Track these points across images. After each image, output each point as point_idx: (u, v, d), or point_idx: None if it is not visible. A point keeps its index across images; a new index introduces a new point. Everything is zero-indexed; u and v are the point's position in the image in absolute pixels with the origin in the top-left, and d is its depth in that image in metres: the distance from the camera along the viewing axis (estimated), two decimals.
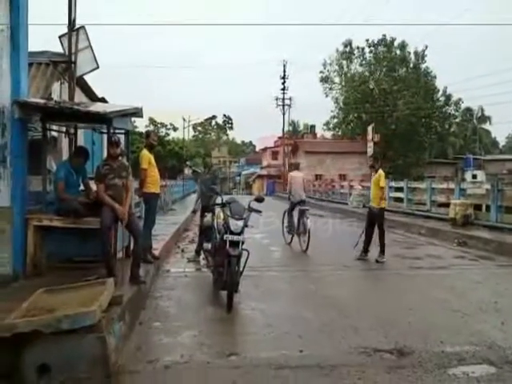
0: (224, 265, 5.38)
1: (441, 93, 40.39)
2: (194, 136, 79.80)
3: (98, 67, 7.52)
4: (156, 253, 7.32)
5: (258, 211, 5.68)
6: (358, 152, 39.82)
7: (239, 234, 5.32)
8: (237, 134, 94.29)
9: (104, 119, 5.17)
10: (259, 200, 5.82)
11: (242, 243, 5.33)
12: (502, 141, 70.22)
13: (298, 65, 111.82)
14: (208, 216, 6.51)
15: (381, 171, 8.73)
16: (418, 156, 38.61)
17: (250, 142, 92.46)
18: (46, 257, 5.50)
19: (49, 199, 5.63)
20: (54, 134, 7.74)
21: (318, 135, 56.12)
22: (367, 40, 40.12)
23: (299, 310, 5.30)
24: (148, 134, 6.77)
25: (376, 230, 8.39)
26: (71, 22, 7.02)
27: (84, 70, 7.34)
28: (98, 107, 5.20)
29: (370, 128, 19.47)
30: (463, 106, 44.39)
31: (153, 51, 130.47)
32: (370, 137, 19.00)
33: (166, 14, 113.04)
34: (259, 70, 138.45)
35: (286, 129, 49.27)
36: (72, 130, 6.79)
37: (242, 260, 5.31)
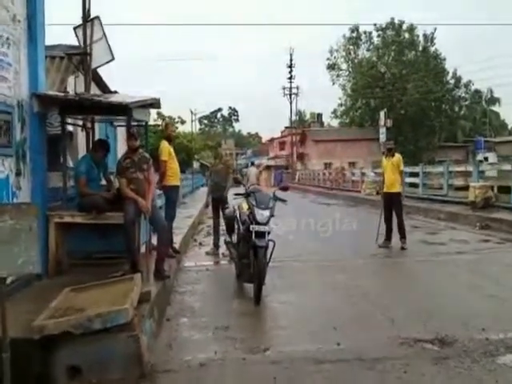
0: (249, 256, 5.24)
1: (450, 75, 39.71)
2: (200, 129, 79.57)
3: (113, 59, 7.34)
4: (176, 246, 7.21)
5: (284, 200, 5.51)
6: (368, 139, 39.38)
7: (265, 224, 5.16)
8: (243, 126, 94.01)
9: (124, 110, 5.01)
10: (284, 189, 5.65)
11: (268, 233, 5.19)
12: (510, 122, 68.98)
13: (305, 53, 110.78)
14: (230, 207, 6.35)
15: (398, 155, 8.51)
16: (429, 140, 38.10)
17: (257, 134, 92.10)
18: (68, 254, 5.38)
19: (69, 195, 5.50)
20: (70, 128, 7.62)
21: (325, 124, 55.65)
22: (375, 24, 39.61)
23: (330, 301, 5.15)
24: (166, 125, 6.61)
25: (394, 216, 8.18)
26: (86, 13, 6.83)
27: (99, 61, 7.17)
28: (117, 98, 5.04)
29: (381, 113, 19.12)
30: (472, 88, 43.61)
31: (157, 43, 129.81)
32: (382, 122, 18.67)
33: (171, 7, 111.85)
34: (264, 59, 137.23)
35: (293, 118, 48.89)
36: (89, 124, 6.64)
37: (268, 251, 5.16)
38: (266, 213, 5.17)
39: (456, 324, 4.24)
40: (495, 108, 58.13)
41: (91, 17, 6.99)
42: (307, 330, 4.23)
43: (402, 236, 7.99)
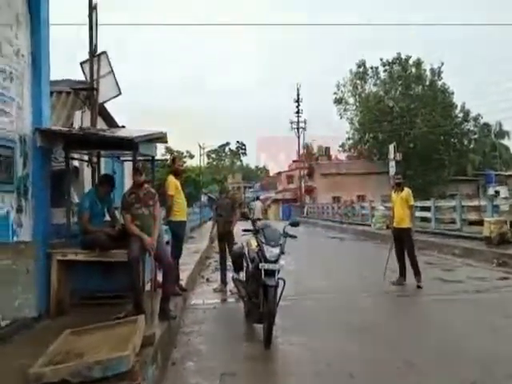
0: (259, 295, 4.99)
1: (459, 109, 39.89)
2: (208, 163, 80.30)
3: (120, 93, 7.38)
4: (182, 284, 6.97)
5: (294, 236, 5.30)
6: (376, 172, 39.28)
7: (275, 261, 4.94)
8: (250, 159, 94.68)
9: (130, 145, 4.93)
10: (294, 224, 5.45)
11: (278, 272, 4.95)
12: None
13: (312, 88, 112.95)
14: (238, 243, 6.14)
15: (407, 189, 8.30)
16: (439, 174, 37.84)
17: (264, 167, 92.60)
18: (70, 293, 5.19)
19: (73, 232, 5.36)
20: (76, 163, 7.58)
21: (333, 157, 55.80)
22: (381, 59, 40.20)
23: (343, 343, 4.84)
24: (174, 159, 6.52)
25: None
26: (93, 48, 6.92)
27: (106, 96, 7.21)
28: (123, 132, 4.98)
29: (391, 147, 19.06)
30: (481, 121, 43.68)
31: (163, 77, 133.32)
32: (391, 156, 18.56)
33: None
34: (273, 94, 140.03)
35: (301, 152, 49.11)
36: (95, 159, 6.59)
37: (279, 290, 4.91)
38: (276, 250, 4.96)
39: (483, 370, 3.94)
40: (504, 141, 58.19)
41: (98, 52, 7.08)
42: (323, 378, 3.93)
43: (416, 273, 7.67)
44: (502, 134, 57.39)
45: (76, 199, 6.71)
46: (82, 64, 7.18)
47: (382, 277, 7.90)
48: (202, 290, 8.07)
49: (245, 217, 5.52)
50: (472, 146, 45.40)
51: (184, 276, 7.75)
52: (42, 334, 4.42)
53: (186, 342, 4.95)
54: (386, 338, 4.96)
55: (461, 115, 40.35)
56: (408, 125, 37.48)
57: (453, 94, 40.12)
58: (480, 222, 13.65)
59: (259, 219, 6.83)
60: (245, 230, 5.42)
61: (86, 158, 6.91)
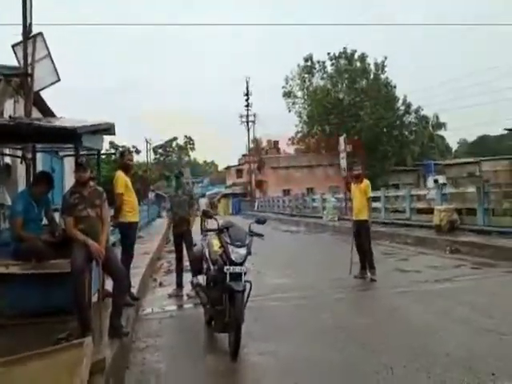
0: (223, 302, 4.53)
1: (401, 101, 41.38)
2: (155, 159, 77.90)
3: (59, 80, 6.51)
4: (134, 291, 6.33)
5: (261, 235, 4.87)
6: (324, 164, 39.96)
7: (242, 263, 4.50)
8: (199, 154, 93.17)
9: (72, 137, 4.24)
10: (260, 222, 5.02)
11: (245, 274, 4.51)
12: (453, 146, 72.89)
13: (261, 80, 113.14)
14: (198, 244, 5.63)
15: (366, 181, 8.17)
16: (382, 165, 39.10)
17: (213, 162, 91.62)
18: (2, 311, 4.43)
19: (4, 239, 4.58)
20: (7, 160, 6.67)
21: (281, 151, 56.11)
22: (328, 53, 40.78)
23: (316, 348, 4.50)
24: (122, 153, 5.82)
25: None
26: (26, 29, 6.01)
27: (43, 83, 6.32)
28: (64, 122, 4.28)
29: (341, 139, 19.12)
30: (422, 113, 45.60)
31: (104, 71, 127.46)
32: (342, 147, 18.67)
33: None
34: (220, 87, 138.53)
35: (250, 146, 48.88)
36: (29, 155, 5.77)
37: (245, 294, 4.47)
38: (243, 251, 4.51)
39: (461, 368, 3.75)
40: (441, 132, 61.41)
41: (33, 33, 6.18)
42: None
43: (371, 266, 7.56)
44: (439, 125, 60.63)
45: (8, 201, 5.86)
46: (13, 47, 6.24)
47: (349, 271, 7.72)
48: (154, 296, 7.45)
49: (207, 216, 5.00)
50: (412, 137, 47.42)
51: (135, 281, 7.09)
52: None
53: (141, 361, 4.37)
54: (357, 338, 4.68)
55: (403, 108, 41.88)
56: (354, 117, 38.33)
57: (395, 87, 41.59)
58: (428, 211, 14.07)
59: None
60: (207, 230, 4.91)
61: (19, 153, 6.05)
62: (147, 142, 50.71)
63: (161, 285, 8.30)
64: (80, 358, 3.22)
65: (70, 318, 4.38)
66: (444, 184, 13.14)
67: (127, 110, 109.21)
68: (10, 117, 4.60)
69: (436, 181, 35.57)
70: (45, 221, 4.84)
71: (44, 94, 7.70)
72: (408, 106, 42.06)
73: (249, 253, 4.59)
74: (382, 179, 37.76)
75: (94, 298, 4.97)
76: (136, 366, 4.26)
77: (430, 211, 13.41)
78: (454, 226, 11.69)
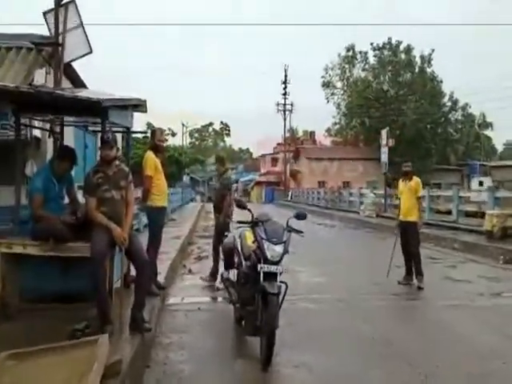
0: (255, 303, 4.04)
1: (447, 97, 39.40)
2: (190, 143, 78.44)
3: (91, 52, 6.15)
4: (161, 279, 5.96)
5: (300, 232, 4.33)
6: (362, 158, 38.70)
7: (278, 262, 3.98)
8: (234, 141, 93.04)
9: (97, 110, 3.83)
10: (301, 217, 4.46)
11: (280, 274, 4.00)
12: (499, 147, 69.17)
13: (299, 70, 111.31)
14: (229, 235, 5.15)
15: (417, 178, 7.43)
16: (424, 163, 37.46)
17: (248, 149, 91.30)
18: (19, 294, 4.12)
19: (23, 217, 4.26)
20: (37, 133, 6.40)
21: (317, 142, 55.03)
22: (372, 43, 39.16)
23: (357, 363, 3.95)
24: (153, 132, 5.39)
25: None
26: None
27: (74, 54, 5.99)
28: (89, 94, 3.89)
29: (383, 132, 18.17)
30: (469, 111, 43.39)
31: (150, 52, 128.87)
32: (384, 141, 17.73)
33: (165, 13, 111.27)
34: (257, 75, 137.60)
35: (286, 135, 48.10)
36: (58, 128, 5.44)
37: (280, 296, 3.96)
38: (279, 248, 3.98)
39: None
40: (487, 132, 58.36)
41: (65, 0, 5.81)
42: None
43: (418, 272, 6.85)
44: (485, 124, 57.62)
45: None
46: (45, 14, 5.90)
47: (386, 274, 7.09)
48: (183, 284, 7.08)
49: (240, 206, 4.50)
50: (457, 135, 45.21)
51: (163, 268, 6.74)
52: None
53: (163, 360, 3.97)
54: (404, 357, 4.07)
55: (449, 104, 39.88)
56: (395, 112, 36.80)
57: (442, 82, 39.61)
58: (474, 214, 13.06)
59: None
60: (239, 222, 4.42)
61: (48, 126, 5.75)
62: (183, 125, 50.87)
63: (190, 271, 7.95)
64: (94, 356, 2.84)
65: (90, 306, 4.02)
66: (497, 187, 12.06)
67: (165, 92, 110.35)
68: (29, 84, 4.24)
69: (481, 183, 33.81)
70: (67, 199, 4.48)
71: (77, 66, 7.37)
72: (455, 102, 40.03)
73: (286, 251, 4.07)
74: (423, 178, 36.15)
75: (118, 284, 4.63)
76: (157, 365, 3.86)
77: (479, 215, 12.47)
78: (506, 233, 10.70)
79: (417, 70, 39.02)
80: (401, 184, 7.48)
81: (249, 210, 4.38)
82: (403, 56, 39.12)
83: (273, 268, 3.92)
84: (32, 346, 3.09)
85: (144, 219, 9.36)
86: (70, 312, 4.07)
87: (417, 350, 4.28)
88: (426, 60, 38.80)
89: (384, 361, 4.00)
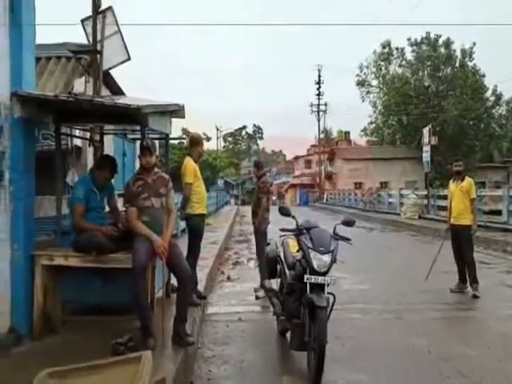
0: (302, 316, 3.82)
1: (490, 92, 37.60)
2: (224, 147, 79.01)
3: (129, 58, 6.13)
4: (201, 287, 5.84)
5: (348, 239, 4.07)
6: (400, 158, 37.57)
7: (325, 273, 3.74)
8: (267, 144, 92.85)
9: (136, 117, 3.73)
10: (349, 224, 4.20)
11: (328, 285, 3.76)
12: None
13: (331, 70, 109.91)
14: (271, 243, 4.94)
15: (469, 179, 6.98)
16: (468, 160, 35.89)
17: (281, 151, 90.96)
18: (61, 306, 4.09)
19: (65, 227, 4.23)
20: (78, 142, 6.46)
21: (352, 143, 54.01)
22: (409, 39, 37.92)
23: (415, 382, 3.64)
24: (192, 138, 5.23)
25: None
26: (96, 2, 5.67)
27: (112, 61, 5.99)
28: (128, 101, 3.81)
29: (425, 130, 17.44)
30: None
31: (177, 57, 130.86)
32: (426, 140, 17.01)
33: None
34: (289, 77, 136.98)
35: (320, 136, 47.47)
36: (97, 137, 5.43)
37: (328, 308, 3.72)
38: (327, 258, 3.75)
39: None
40: None
41: (102, 7, 5.81)
42: None
43: (473, 280, 6.40)
44: None
45: None
46: (83, 21, 5.93)
47: (425, 278, 6.72)
48: (222, 291, 6.94)
49: (284, 213, 4.27)
50: (502, 131, 43.09)
51: (202, 276, 6.63)
52: (18, 364, 3.34)
53: (206, 375, 3.81)
54: (467, 376, 3.73)
55: (492, 98, 38.06)
56: (435, 108, 35.47)
57: (484, 76, 37.85)
58: None
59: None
60: (283, 230, 4.20)
61: (88, 135, 5.76)
62: (217, 129, 51.24)
63: (229, 278, 7.80)
64: (138, 375, 2.71)
65: (132, 318, 3.94)
66: None
67: (199, 97, 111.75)
68: (69, 92, 4.21)
69: None
70: (108, 208, 4.42)
71: (115, 74, 7.40)
72: (498, 96, 38.13)
73: (334, 260, 3.83)
74: (469, 176, 34.68)
75: (160, 293, 4.53)
76: (201, 381, 3.70)
77: None
78: None
79: (457, 64, 37.47)
80: (452, 185, 7.07)
81: (293, 217, 4.16)
82: (443, 50, 37.68)
83: (320, 279, 3.70)
84: (74, 361, 3.00)
85: (182, 224, 9.32)
86: (112, 325, 4.00)
87: (481, 366, 3.92)
88: (467, 54, 37.19)
89: (444, 379, 3.68)
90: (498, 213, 13.31)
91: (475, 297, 6.23)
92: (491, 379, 3.65)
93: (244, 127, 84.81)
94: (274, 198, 54.94)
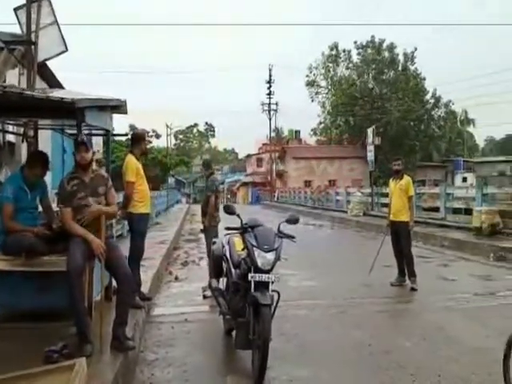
0: (246, 314, 3.80)
1: (430, 94, 39.74)
2: (175, 144, 77.72)
3: (66, 50, 5.80)
4: (145, 289, 5.66)
5: (292, 237, 4.10)
6: (348, 157, 38.83)
7: (269, 271, 3.75)
8: (219, 142, 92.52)
9: (72, 111, 3.53)
10: (292, 221, 4.23)
11: (272, 283, 3.77)
12: (480, 143, 70.13)
13: (281, 70, 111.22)
14: (217, 242, 4.89)
15: (408, 177, 7.29)
16: (408, 160, 37.70)
17: (233, 150, 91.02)
18: None
19: None
20: (11, 138, 6.05)
21: (302, 142, 55.05)
22: (355, 42, 39.28)
23: (357, 376, 3.74)
24: (138, 136, 5.03)
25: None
26: None
27: (49, 53, 5.64)
28: (62, 93, 3.59)
29: (369, 130, 18.12)
30: (452, 107, 43.83)
31: (130, 51, 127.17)
32: (370, 140, 17.67)
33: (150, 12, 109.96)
34: (240, 75, 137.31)
35: (271, 135, 47.90)
36: (31, 132, 5.10)
37: (273, 306, 3.73)
38: (271, 256, 3.75)
39: None
40: (470, 129, 59.11)
41: None
42: None
43: (411, 274, 6.70)
44: (467, 121, 58.37)
45: None
46: (16, 10, 5.54)
47: (369, 272, 6.98)
48: (169, 292, 6.78)
49: (229, 212, 4.23)
50: (440, 132, 45.65)
51: (148, 276, 6.45)
52: None
53: (148, 379, 3.69)
54: (405, 367, 3.87)
55: (432, 101, 40.24)
56: (379, 110, 36.95)
57: (424, 79, 39.93)
58: (464, 211, 13.05)
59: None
60: (228, 229, 4.16)
61: (21, 130, 5.41)
62: (168, 126, 50.28)
63: (177, 279, 7.65)
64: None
65: (68, 324, 3.73)
66: (485, 183, 12.03)
67: (149, 94, 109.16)
68: None
69: (465, 179, 34.14)
70: (40, 208, 4.16)
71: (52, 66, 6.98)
72: (437, 99, 40.39)
73: (278, 258, 3.85)
74: (407, 174, 36.41)
75: (98, 297, 4.34)
76: None
77: (466, 212, 12.47)
78: (495, 230, 10.67)
79: (400, 67, 39.27)
80: (391, 183, 7.34)
81: (238, 215, 4.13)
82: (386, 54, 39.34)
83: (264, 277, 3.70)
84: (4, 371, 2.79)
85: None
86: (46, 331, 3.77)
87: (417, 358, 4.09)
88: (409, 58, 39.11)
89: (383, 372, 3.80)
90: (437, 209, 14.07)
91: (413, 289, 6.52)
92: (426, 369, 3.81)
93: (195, 125, 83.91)
94: (227, 196, 54.80)
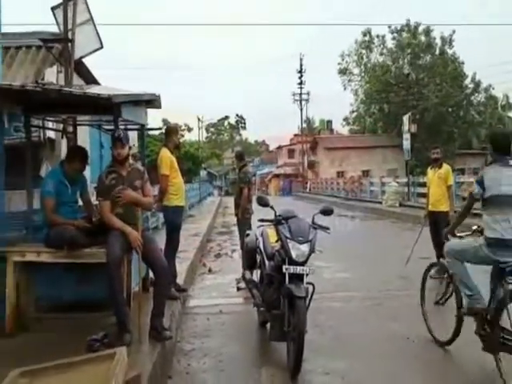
0: (281, 307, 3.80)
1: (469, 79, 38.09)
2: (206, 137, 78.49)
3: (102, 47, 5.96)
4: (181, 280, 5.77)
5: (326, 228, 4.06)
6: (382, 146, 37.91)
7: (304, 263, 3.73)
8: (250, 134, 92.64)
9: (109, 107, 3.61)
10: (327, 212, 4.19)
11: (307, 275, 3.75)
12: None
13: (313, 59, 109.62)
14: (251, 234, 4.90)
15: (447, 166, 7.06)
16: (447, 148, 36.41)
17: (264, 141, 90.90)
18: (35, 303, 3.98)
19: (36, 223, 4.09)
20: (52, 134, 6.27)
21: (334, 131, 54.28)
22: (389, 26, 37.97)
23: (397, 371, 3.67)
24: (171, 130, 5.12)
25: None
26: None
27: (84, 50, 5.81)
28: (99, 90, 3.68)
29: (405, 118, 17.58)
30: (492, 92, 41.86)
31: (163, 49, 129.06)
32: (406, 127, 17.16)
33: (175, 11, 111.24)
34: (272, 67, 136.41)
35: (303, 126, 47.49)
36: (71, 129, 5.27)
37: (307, 299, 3.71)
38: (305, 248, 3.74)
39: None
40: (511, 114, 56.43)
41: None
42: None
43: None
44: (509, 106, 55.72)
45: None
46: (53, 9, 5.71)
47: (405, 263, 6.79)
48: (203, 284, 6.90)
49: (262, 204, 4.22)
50: (480, 118, 43.79)
51: (183, 268, 6.56)
52: None
53: (185, 369, 3.77)
54: (445, 357, 3.78)
55: (471, 86, 38.59)
56: (415, 96, 35.78)
57: (463, 63, 38.29)
58: None
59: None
60: (261, 221, 4.16)
61: (61, 127, 5.59)
62: (199, 120, 50.75)
63: (210, 271, 7.75)
64: (111, 372, 2.64)
65: (108, 314, 3.86)
66: None
67: (181, 87, 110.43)
68: (36, 82, 4.05)
69: None
70: (81, 202, 4.30)
71: (88, 62, 7.17)
72: (477, 84, 38.66)
73: (312, 250, 3.82)
74: (446, 163, 35.18)
75: (137, 288, 4.46)
76: (179, 376, 3.66)
77: None
78: None
79: (437, 52, 37.79)
80: (430, 172, 7.15)
81: (271, 207, 4.12)
82: (423, 38, 37.94)
83: (299, 269, 3.69)
84: (48, 359, 2.92)
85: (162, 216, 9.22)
86: (87, 321, 3.92)
87: (455, 350, 3.97)
88: (447, 41, 37.52)
89: (423, 365, 3.72)
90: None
91: None
92: (470, 364, 3.71)
93: (226, 117, 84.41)
94: (262, 188, 54.86)
